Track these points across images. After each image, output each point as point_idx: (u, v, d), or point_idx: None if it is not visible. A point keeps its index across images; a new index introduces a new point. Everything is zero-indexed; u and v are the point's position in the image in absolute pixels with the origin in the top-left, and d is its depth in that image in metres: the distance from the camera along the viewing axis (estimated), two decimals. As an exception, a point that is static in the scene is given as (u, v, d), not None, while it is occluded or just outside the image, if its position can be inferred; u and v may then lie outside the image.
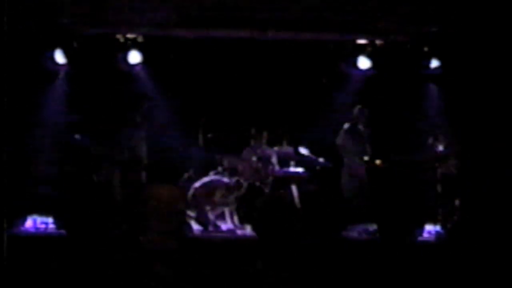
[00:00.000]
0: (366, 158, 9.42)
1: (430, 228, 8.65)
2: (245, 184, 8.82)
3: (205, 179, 8.79)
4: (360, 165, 9.39)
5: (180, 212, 7.55)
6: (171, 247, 6.91)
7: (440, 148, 9.13)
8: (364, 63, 10.30)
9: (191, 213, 8.57)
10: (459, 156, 9.00)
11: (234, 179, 8.84)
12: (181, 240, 7.16)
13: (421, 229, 8.32)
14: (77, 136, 9.28)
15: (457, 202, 8.89)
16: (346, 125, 9.55)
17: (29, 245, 7.49)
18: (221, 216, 8.80)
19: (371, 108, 9.79)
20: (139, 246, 6.88)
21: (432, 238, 8.46)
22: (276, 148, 9.62)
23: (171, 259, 6.80)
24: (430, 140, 9.21)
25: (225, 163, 9.06)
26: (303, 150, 9.56)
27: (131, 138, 9.30)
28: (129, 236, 7.44)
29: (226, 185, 8.76)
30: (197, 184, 8.71)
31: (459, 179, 8.91)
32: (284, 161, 9.58)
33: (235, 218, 8.73)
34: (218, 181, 8.81)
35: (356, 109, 9.55)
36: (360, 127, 9.52)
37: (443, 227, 8.71)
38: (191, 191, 8.56)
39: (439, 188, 9.05)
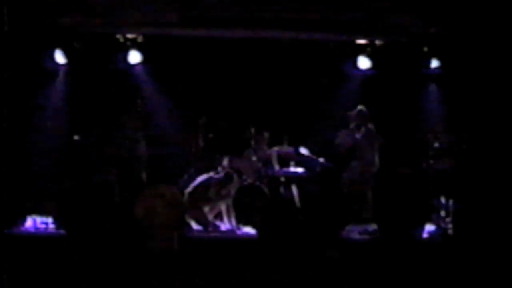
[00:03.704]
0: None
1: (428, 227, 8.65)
2: (235, 176, 8.83)
3: (195, 182, 8.80)
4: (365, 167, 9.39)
5: (180, 211, 7.59)
6: (172, 246, 6.94)
7: (436, 145, 9.16)
8: (364, 63, 10.31)
9: (190, 216, 8.58)
10: (456, 153, 9.01)
11: (223, 173, 8.84)
12: (181, 239, 7.18)
13: (422, 228, 8.32)
14: (76, 137, 9.28)
15: (451, 200, 8.88)
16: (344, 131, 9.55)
17: (29, 245, 7.49)
18: (220, 216, 8.80)
19: (371, 108, 9.79)
20: (139, 246, 6.90)
21: (429, 236, 8.47)
22: (276, 148, 9.62)
23: (171, 259, 6.82)
24: (429, 138, 9.24)
25: (225, 163, 9.06)
26: (303, 150, 9.56)
27: (129, 138, 9.30)
28: (129, 236, 7.45)
29: (217, 181, 8.78)
30: (189, 189, 8.72)
31: (455, 177, 8.92)
32: (284, 161, 9.58)
33: (233, 216, 8.72)
34: (209, 179, 8.82)
35: (356, 111, 9.52)
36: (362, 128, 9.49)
37: (437, 225, 8.71)
38: (185, 196, 8.56)
39: (434, 184, 9.07)
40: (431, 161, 9.16)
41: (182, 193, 8.51)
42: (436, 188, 9.01)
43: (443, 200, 8.91)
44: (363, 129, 9.42)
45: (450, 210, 8.84)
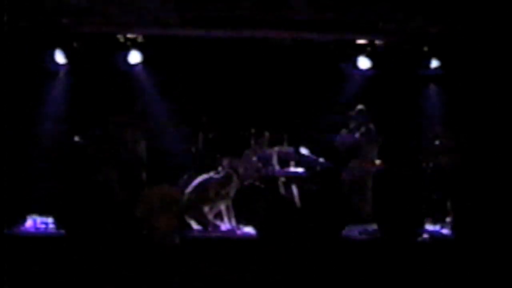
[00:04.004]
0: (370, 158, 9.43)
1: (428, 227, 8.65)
2: (235, 176, 8.82)
3: (195, 182, 8.80)
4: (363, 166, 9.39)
5: (180, 211, 7.59)
6: (172, 246, 6.94)
7: (436, 144, 9.18)
8: (364, 63, 10.31)
9: (190, 216, 8.57)
10: (455, 153, 9.03)
11: (223, 173, 8.84)
12: (181, 239, 7.19)
13: (422, 228, 8.31)
14: (76, 139, 9.28)
15: (451, 199, 8.88)
16: (344, 131, 9.55)
17: (29, 245, 7.50)
18: (220, 216, 8.80)
19: (371, 108, 9.78)
20: (139, 246, 6.90)
21: (429, 236, 8.46)
22: (276, 148, 9.62)
23: (171, 259, 6.82)
24: (429, 137, 9.26)
25: (225, 163, 9.06)
26: (303, 150, 9.56)
27: (129, 138, 9.30)
28: (129, 236, 7.45)
29: (217, 181, 8.78)
30: (189, 189, 8.72)
31: (455, 176, 8.92)
32: (284, 161, 9.58)
33: (233, 216, 8.72)
34: (209, 179, 8.82)
35: (356, 110, 9.53)
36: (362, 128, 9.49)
37: (437, 225, 8.71)
38: (185, 196, 8.56)
39: (433, 184, 9.08)
40: (431, 160, 9.16)
41: (182, 193, 8.51)
42: (436, 188, 9.02)
43: (442, 199, 8.92)
44: (363, 129, 9.42)
45: (449, 209, 8.84)
